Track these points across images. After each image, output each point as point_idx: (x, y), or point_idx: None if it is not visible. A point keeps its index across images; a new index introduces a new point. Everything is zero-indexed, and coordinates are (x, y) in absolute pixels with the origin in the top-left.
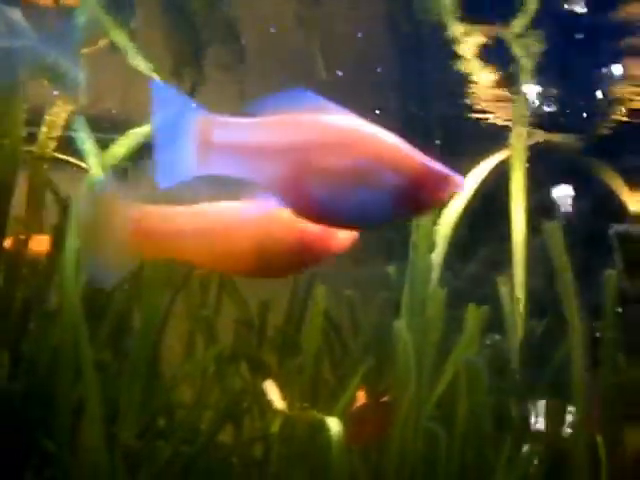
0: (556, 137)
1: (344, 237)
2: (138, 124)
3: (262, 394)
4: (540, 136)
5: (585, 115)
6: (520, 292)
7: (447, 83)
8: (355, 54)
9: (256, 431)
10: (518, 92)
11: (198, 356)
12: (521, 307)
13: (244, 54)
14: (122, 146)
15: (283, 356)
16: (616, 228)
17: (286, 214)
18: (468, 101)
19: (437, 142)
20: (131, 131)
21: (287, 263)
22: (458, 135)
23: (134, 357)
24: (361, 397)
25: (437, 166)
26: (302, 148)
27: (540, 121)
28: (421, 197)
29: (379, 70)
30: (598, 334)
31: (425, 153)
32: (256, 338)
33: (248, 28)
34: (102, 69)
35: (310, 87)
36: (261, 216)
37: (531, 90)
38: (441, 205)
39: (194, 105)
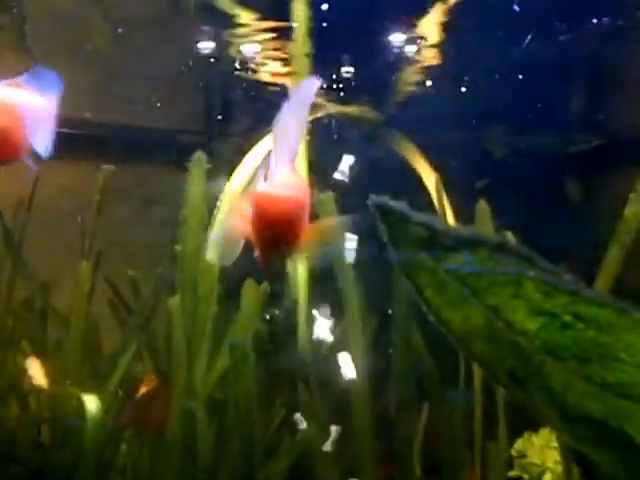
0: (352, 108)
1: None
2: None
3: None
4: (333, 107)
5: (380, 84)
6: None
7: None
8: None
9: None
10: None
11: None
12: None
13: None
14: None
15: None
16: (374, 199)
17: None
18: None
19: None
20: None
21: None
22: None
23: None
24: (149, 382)
25: None
26: None
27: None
28: None
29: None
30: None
31: None
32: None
33: None
34: None
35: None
36: None
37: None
38: None
39: None
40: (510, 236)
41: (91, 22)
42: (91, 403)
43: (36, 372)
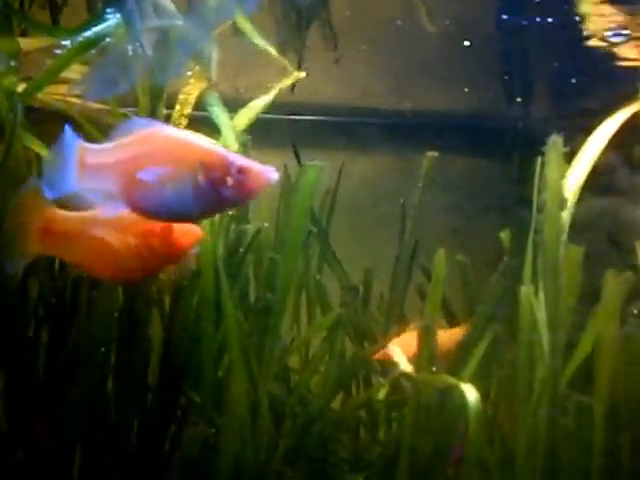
0: None
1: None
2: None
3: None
4: None
5: None
6: None
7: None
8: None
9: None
10: None
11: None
12: None
13: (333, 29)
14: (244, 118)
15: (388, 323)
16: None
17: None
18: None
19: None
20: (252, 103)
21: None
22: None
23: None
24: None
25: (247, 163)
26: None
27: None
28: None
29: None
30: None
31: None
32: (361, 305)
33: None
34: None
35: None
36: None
37: None
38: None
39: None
40: None
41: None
42: (470, 393)
43: (401, 358)
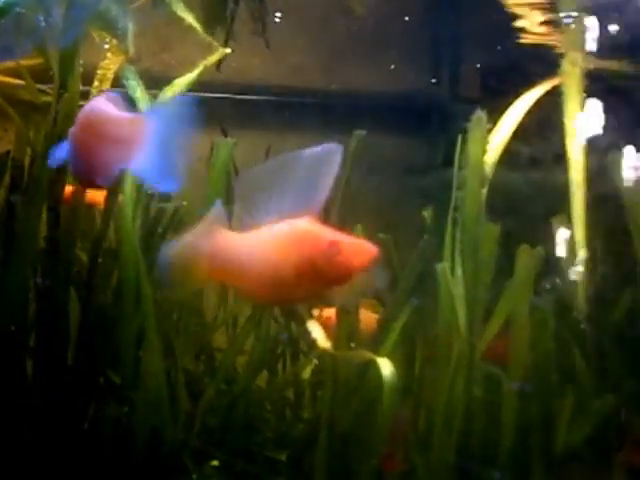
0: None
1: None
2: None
3: (303, 336)
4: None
5: None
6: (579, 233)
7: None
8: None
9: (290, 375)
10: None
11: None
12: (580, 249)
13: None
14: (168, 95)
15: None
16: None
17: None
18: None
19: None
20: (176, 80)
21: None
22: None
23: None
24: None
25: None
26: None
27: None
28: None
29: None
30: None
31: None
32: None
33: None
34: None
35: None
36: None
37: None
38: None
39: None
40: None
41: None
42: (386, 368)
43: (319, 335)
